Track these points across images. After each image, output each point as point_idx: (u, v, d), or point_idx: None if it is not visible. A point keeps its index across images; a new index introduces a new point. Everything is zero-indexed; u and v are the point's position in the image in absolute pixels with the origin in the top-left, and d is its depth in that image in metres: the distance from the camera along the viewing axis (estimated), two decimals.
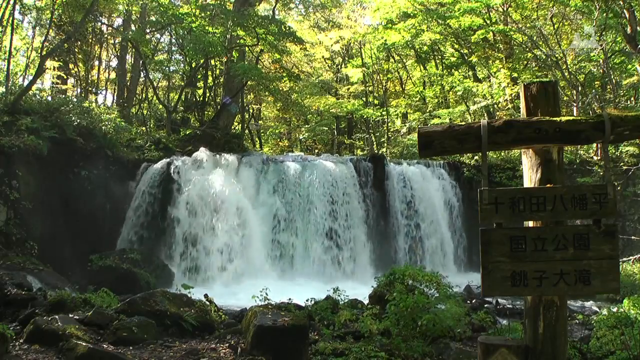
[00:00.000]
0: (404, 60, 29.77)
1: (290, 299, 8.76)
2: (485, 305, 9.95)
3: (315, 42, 30.05)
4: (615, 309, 6.57)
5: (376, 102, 30.66)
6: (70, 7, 20.06)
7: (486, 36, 21.26)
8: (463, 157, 18.67)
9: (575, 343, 6.19)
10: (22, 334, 6.60)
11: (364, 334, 6.53)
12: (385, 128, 28.97)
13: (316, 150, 31.25)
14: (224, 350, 6.42)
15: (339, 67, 32.74)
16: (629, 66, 19.25)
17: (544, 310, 3.08)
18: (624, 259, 13.27)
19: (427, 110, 25.89)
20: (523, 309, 3.34)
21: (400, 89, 31.12)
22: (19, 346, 6.26)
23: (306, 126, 32.22)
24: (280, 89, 24.85)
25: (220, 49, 19.71)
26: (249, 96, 29.58)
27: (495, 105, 21.91)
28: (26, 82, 18.14)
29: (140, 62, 22.77)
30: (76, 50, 23.90)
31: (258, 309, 6.88)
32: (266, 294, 8.02)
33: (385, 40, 23.62)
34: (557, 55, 19.56)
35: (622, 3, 15.96)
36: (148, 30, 23.75)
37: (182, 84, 26.58)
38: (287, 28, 21.79)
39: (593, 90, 20.51)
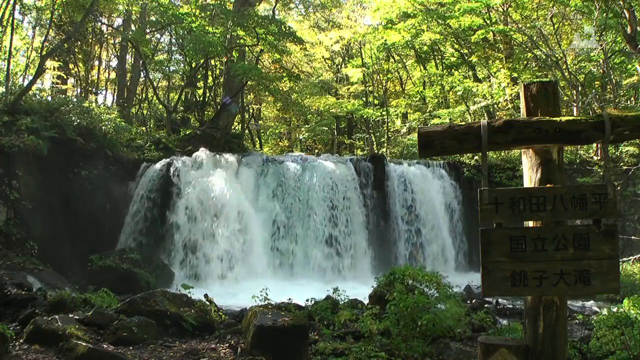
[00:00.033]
0: (404, 60, 29.77)
1: (290, 299, 8.77)
2: (485, 305, 9.94)
3: (315, 42, 30.05)
4: (615, 309, 6.57)
5: (376, 102, 30.66)
6: (70, 7, 20.07)
7: (486, 36, 21.26)
8: (463, 157, 18.67)
9: (575, 343, 6.19)
10: (22, 334, 6.60)
11: (364, 334, 6.53)
12: (385, 128, 28.97)
13: (316, 150, 31.24)
14: (224, 350, 6.42)
15: (339, 67, 32.74)
16: (629, 66, 19.25)
17: (544, 310, 3.08)
18: (624, 259, 13.26)
19: (427, 110, 25.89)
20: (523, 309, 3.34)
21: (400, 89, 31.12)
22: (19, 346, 6.26)
23: (306, 126, 32.22)
24: (280, 89, 24.86)
25: (220, 49, 19.71)
26: (249, 96, 29.58)
27: (495, 105, 21.91)
28: (26, 82, 18.14)
29: (140, 62, 22.77)
30: (76, 50, 23.90)
31: (258, 309, 6.89)
32: (266, 294, 8.02)
33: (385, 40, 23.62)
34: (557, 55, 19.56)
35: (622, 3, 15.96)
36: (148, 30, 23.75)
37: (182, 84, 26.58)
38: (287, 28, 21.79)
39: (593, 90, 20.51)
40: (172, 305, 7.47)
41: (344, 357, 5.95)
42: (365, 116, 28.77)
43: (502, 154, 18.13)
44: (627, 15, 16.01)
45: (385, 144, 27.82)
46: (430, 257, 16.38)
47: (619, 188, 15.34)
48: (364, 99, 30.76)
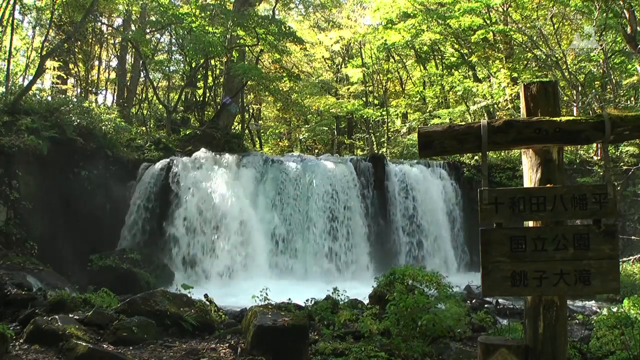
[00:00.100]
0: (404, 60, 29.77)
1: (290, 299, 8.76)
2: (485, 305, 9.94)
3: (315, 42, 30.05)
4: (615, 309, 6.57)
5: (376, 102, 30.66)
6: (70, 7, 20.07)
7: (486, 36, 21.26)
8: (463, 157, 18.67)
9: (575, 343, 6.19)
10: (22, 334, 6.60)
11: (364, 334, 6.53)
12: (385, 128, 28.97)
13: (316, 150, 31.26)
14: (224, 350, 6.42)
15: (339, 67, 32.74)
16: (629, 66, 19.25)
17: (544, 310, 3.08)
18: (624, 259, 13.27)
19: (427, 110, 25.89)
20: (523, 309, 3.34)
21: (400, 89, 31.12)
22: (19, 346, 6.26)
23: (306, 126, 32.22)
24: (280, 89, 24.86)
25: (220, 49, 19.71)
26: (249, 96, 29.58)
27: (495, 105, 21.91)
28: (26, 82, 18.14)
29: (140, 62, 22.77)
30: (76, 50, 23.90)
31: (258, 309, 6.88)
32: (266, 294, 8.02)
33: (385, 40, 23.62)
34: (557, 55, 19.56)
35: (622, 3, 15.96)
36: (148, 30, 23.75)
37: (182, 84, 26.59)
38: (287, 28, 21.80)
39: (593, 90, 20.51)
40: (172, 305, 7.47)
41: (344, 357, 5.95)
42: (365, 116, 28.77)
43: (502, 154, 18.13)
44: (627, 15, 16.01)
45: (385, 144, 27.82)
46: (429, 258, 16.36)
47: (619, 188, 15.34)
48: (364, 99, 30.76)
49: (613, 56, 19.60)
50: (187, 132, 20.89)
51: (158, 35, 26.45)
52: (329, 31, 29.59)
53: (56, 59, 21.45)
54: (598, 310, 9.91)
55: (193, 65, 24.63)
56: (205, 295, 8.88)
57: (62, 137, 14.40)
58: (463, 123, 3.31)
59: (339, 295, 9.13)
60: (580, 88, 19.10)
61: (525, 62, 22.30)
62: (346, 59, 31.94)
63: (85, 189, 14.55)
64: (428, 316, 5.98)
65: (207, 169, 15.63)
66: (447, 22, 20.98)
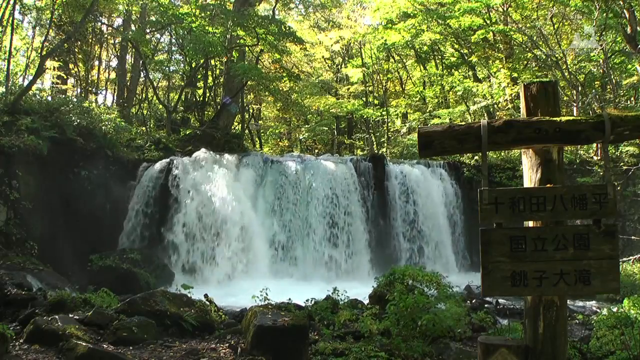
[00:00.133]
0: (404, 60, 29.77)
1: (290, 299, 8.76)
2: (485, 305, 9.94)
3: (315, 42, 30.05)
4: (615, 309, 6.57)
5: (376, 102, 30.66)
6: (70, 7, 20.07)
7: (486, 36, 21.26)
8: (463, 157, 18.67)
9: (575, 343, 6.19)
10: (22, 334, 6.60)
11: (364, 334, 6.53)
12: (385, 128, 28.97)
13: (316, 150, 31.26)
14: (224, 350, 6.42)
15: (339, 67, 32.74)
16: (629, 66, 19.25)
17: (544, 310, 3.08)
18: (624, 259, 13.26)
19: (427, 110, 25.89)
20: (523, 309, 3.34)
21: (400, 89, 31.12)
22: (19, 346, 6.26)
23: (306, 126, 32.22)
24: (280, 89, 24.86)
25: (220, 49, 19.71)
26: (249, 96, 29.58)
27: (495, 105, 21.92)
28: (26, 82, 18.14)
29: (140, 62, 22.77)
30: (76, 50, 23.90)
31: (258, 309, 6.88)
32: (266, 294, 8.02)
33: (385, 40, 23.62)
34: (557, 55, 19.56)
35: (622, 3, 15.96)
36: (148, 30, 23.75)
37: (182, 84, 26.59)
38: (287, 28, 21.80)
39: (593, 90, 20.51)
40: (172, 305, 7.47)
41: (344, 357, 5.95)
42: (365, 116, 28.77)
43: (502, 154, 18.13)
44: (627, 15, 16.01)
45: (385, 144, 27.82)
46: (429, 257, 16.36)
47: (619, 188, 15.34)
48: (364, 99, 30.76)
49: (613, 56, 19.61)
50: (187, 132, 20.89)
51: (158, 35, 26.46)
52: (329, 31, 29.59)
53: (56, 59, 21.45)
54: (598, 310, 9.91)
55: (193, 65, 24.63)
56: (205, 295, 8.88)
57: (62, 137, 14.40)
58: (463, 123, 3.31)
59: (339, 295, 9.13)
60: (580, 88, 19.10)
61: (525, 62, 22.30)
62: (346, 59, 31.94)
63: (85, 189, 14.55)
64: (428, 316, 5.98)
65: (207, 169, 15.58)
66: (447, 22, 20.98)
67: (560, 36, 21.99)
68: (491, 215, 3.05)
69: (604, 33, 18.26)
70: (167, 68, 26.07)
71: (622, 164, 16.43)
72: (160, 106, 24.92)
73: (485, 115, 22.21)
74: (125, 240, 14.51)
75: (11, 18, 18.22)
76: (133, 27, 24.21)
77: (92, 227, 13.96)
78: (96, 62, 26.67)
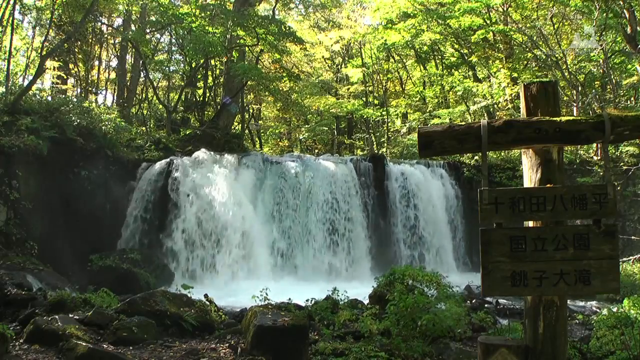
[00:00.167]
0: (404, 60, 29.78)
1: (290, 299, 8.76)
2: (485, 305, 9.93)
3: (315, 42, 30.05)
4: (615, 309, 6.57)
5: (376, 102, 30.66)
6: (70, 7, 20.07)
7: (486, 36, 21.26)
8: (463, 157, 18.68)
9: (575, 343, 6.19)
10: (22, 334, 6.60)
11: (364, 334, 6.53)
12: (385, 128, 28.97)
13: (316, 150, 31.27)
14: (224, 350, 6.42)
15: (339, 67, 32.74)
16: (629, 66, 19.25)
17: (544, 310, 3.08)
18: (624, 259, 13.26)
19: (427, 110, 25.89)
20: (523, 309, 3.34)
21: (400, 89, 31.12)
22: (19, 346, 6.26)
23: (306, 126, 32.22)
24: (280, 89, 24.86)
25: (220, 49, 19.71)
26: (249, 96, 29.58)
27: (495, 105, 21.92)
28: (26, 82, 18.13)
29: (140, 62, 22.77)
30: (76, 50, 23.90)
31: (258, 309, 6.88)
32: (266, 294, 8.02)
33: (385, 40, 23.63)
34: (557, 55, 19.56)
35: (622, 3, 15.96)
36: (148, 30, 23.74)
37: (182, 84, 26.59)
38: (287, 28, 21.80)
39: (593, 90, 20.51)
40: (172, 305, 7.47)
41: (344, 357, 5.95)
42: (365, 116, 28.77)
43: (502, 154, 18.13)
44: (627, 15, 16.01)
45: (385, 144, 27.82)
46: (430, 257, 16.36)
47: (619, 188, 15.34)
48: (364, 99, 30.76)
49: (613, 56, 19.61)
50: (187, 132, 20.89)
51: (158, 35, 26.46)
52: (329, 31, 29.59)
53: (56, 59, 21.44)
54: (598, 310, 9.91)
55: (193, 65, 24.63)
56: (205, 295, 8.88)
57: (62, 137, 14.39)
58: (463, 123, 3.31)
59: (339, 295, 9.13)
60: (580, 88, 19.11)
61: (525, 62, 22.30)
62: (346, 59, 31.94)
63: (85, 189, 14.54)
64: (428, 316, 5.98)
65: (207, 170, 15.53)
66: (447, 22, 20.98)
67: (560, 36, 21.99)
68: (491, 215, 3.05)
69: (604, 33, 18.26)
70: (167, 68, 26.07)
71: (622, 164, 16.44)
72: (160, 106, 24.92)
73: (485, 115, 22.21)
74: (123, 247, 14.36)
75: (11, 18, 18.21)
76: (133, 27, 24.21)
77: (92, 227, 13.95)
78: (96, 62, 26.67)
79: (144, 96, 26.86)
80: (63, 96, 20.28)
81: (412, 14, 22.06)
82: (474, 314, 8.09)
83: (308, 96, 30.13)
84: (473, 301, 10.25)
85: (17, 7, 18.97)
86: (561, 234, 3.02)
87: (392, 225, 16.49)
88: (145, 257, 13.38)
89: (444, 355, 6.13)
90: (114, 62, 27.81)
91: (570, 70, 19.10)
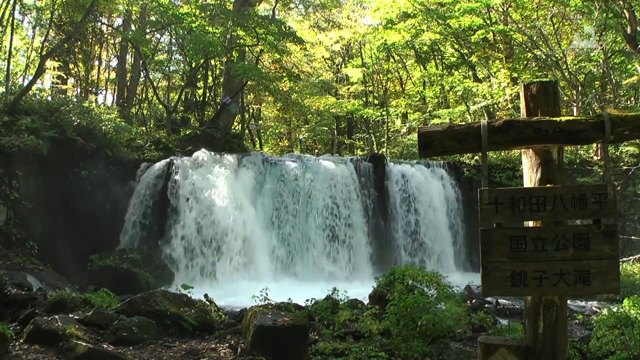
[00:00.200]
0: (404, 60, 29.77)
1: (290, 299, 8.76)
2: (485, 305, 9.94)
3: (315, 42, 30.05)
4: (615, 309, 6.57)
5: (376, 102, 30.66)
6: (70, 7, 20.07)
7: (486, 36, 21.26)
8: (463, 157, 18.67)
9: (575, 343, 6.19)
10: (22, 334, 6.60)
11: (364, 334, 6.53)
12: (385, 128, 28.97)
13: (316, 150, 31.27)
14: (224, 350, 6.42)
15: (339, 67, 32.74)
16: (629, 66, 19.25)
17: (544, 310, 3.08)
18: (624, 259, 13.27)
19: (427, 110, 25.89)
20: (523, 309, 3.34)
21: (400, 89, 31.12)
22: (19, 346, 6.26)
23: (306, 126, 32.22)
24: (280, 89, 24.85)
25: (220, 49, 19.71)
26: (249, 96, 29.58)
27: (495, 105, 21.92)
28: (26, 82, 18.13)
29: (140, 62, 22.77)
30: (76, 50, 23.90)
31: (258, 309, 6.89)
32: (266, 294, 8.02)
33: (385, 40, 23.62)
34: (557, 55, 19.56)
35: (622, 3, 15.96)
36: (148, 30, 23.74)
37: (182, 84, 26.58)
38: (287, 28, 21.79)
39: (593, 90, 20.51)
40: (172, 305, 7.47)
41: (344, 357, 5.95)
42: (365, 116, 28.77)
43: (502, 154, 18.13)
44: (627, 15, 16.01)
45: (385, 144, 27.82)
46: (430, 257, 16.35)
47: (619, 188, 15.34)
48: (364, 99, 30.76)
49: (613, 56, 19.60)
50: (187, 132, 20.88)
51: (158, 35, 26.46)
52: (329, 31, 29.59)
53: (56, 59, 21.44)
54: (598, 310, 9.91)
55: (193, 65, 24.63)
56: (205, 295, 8.88)
57: (62, 137, 14.39)
58: (463, 123, 3.31)
59: (338, 295, 9.13)
60: (580, 88, 19.10)
61: (525, 62, 22.30)
62: (346, 59, 31.94)
63: (85, 189, 14.54)
64: (428, 316, 5.98)
65: (207, 171, 15.49)
66: (447, 22, 20.98)
67: (560, 36, 21.99)
68: (491, 215, 3.05)
69: (604, 33, 18.26)
70: (167, 68, 26.07)
71: (622, 164, 16.43)
72: (160, 106, 24.91)
73: (485, 115, 22.21)
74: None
75: (11, 18, 18.21)
76: (133, 27, 24.20)
77: (92, 227, 13.95)
78: (96, 62, 26.67)
79: (144, 96, 26.86)
80: (63, 96, 20.29)
81: (412, 14, 22.06)
82: (474, 314, 8.09)
83: (308, 96, 30.13)
84: (473, 301, 10.25)
85: (17, 7, 18.98)
86: (561, 234, 3.02)
87: (393, 230, 16.45)
88: (145, 257, 13.38)
89: (444, 355, 6.13)
90: (114, 62, 27.83)
91: (570, 70, 19.10)
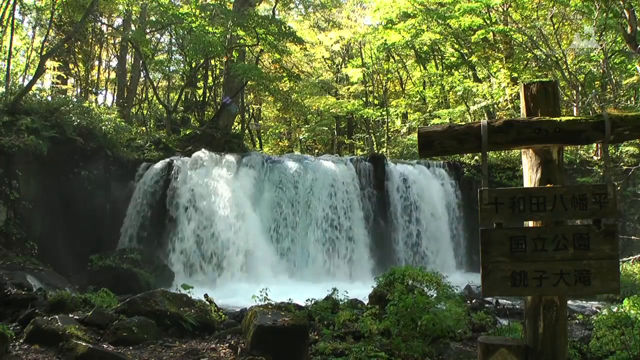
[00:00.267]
0: (404, 60, 29.77)
1: (290, 299, 8.76)
2: (485, 305, 9.94)
3: (315, 42, 30.06)
4: (615, 309, 6.56)
5: (376, 102, 30.67)
6: (70, 7, 20.07)
7: (486, 36, 21.26)
8: (463, 157, 18.67)
9: (575, 343, 6.18)
10: (22, 334, 6.60)
11: (364, 334, 6.52)
12: (385, 128, 28.97)
13: (316, 150, 31.28)
14: (224, 350, 6.42)
15: (339, 67, 32.75)
16: (629, 66, 19.23)
17: (544, 310, 3.08)
18: (624, 259, 13.26)
19: (427, 110, 25.89)
20: (523, 309, 3.34)
21: (400, 89, 31.12)
22: (19, 346, 6.26)
23: (306, 126, 32.23)
24: (280, 89, 24.86)
25: (220, 49, 19.71)
26: (249, 96, 29.59)
27: (495, 105, 21.91)
28: (26, 82, 18.14)
29: (140, 62, 22.77)
30: (76, 50, 23.91)
31: (258, 309, 6.88)
32: (266, 294, 8.02)
33: (385, 40, 23.62)
34: (557, 55, 19.55)
35: (622, 3, 15.96)
36: (148, 30, 23.75)
37: (182, 84, 26.59)
38: (287, 28, 21.79)
39: (593, 90, 20.51)
40: (172, 305, 7.47)
41: (344, 357, 5.95)
42: (365, 116, 28.77)
43: (502, 154, 18.12)
44: (627, 15, 16.00)
45: (385, 144, 27.82)
46: (430, 257, 16.35)
47: (619, 188, 15.34)
48: (364, 99, 30.76)
49: (613, 56, 19.59)
50: (187, 132, 20.89)
51: (158, 35, 26.48)
52: (329, 31, 29.60)
53: (56, 59, 21.45)
54: (598, 310, 9.91)
55: (193, 65, 24.64)
56: (205, 295, 8.88)
57: (62, 137, 14.40)
58: (463, 123, 3.31)
59: (338, 296, 9.12)
60: (580, 88, 19.10)
61: (525, 62, 22.30)
62: (346, 59, 31.95)
63: (85, 189, 14.54)
64: (428, 316, 5.98)
65: (208, 169, 15.50)
66: (447, 22, 20.98)
67: (560, 36, 21.98)
68: (491, 215, 3.05)
69: (604, 33, 18.25)
70: (167, 68, 26.08)
71: (622, 164, 16.43)
72: (160, 106, 24.92)
73: (485, 115, 22.21)
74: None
75: (11, 18, 18.22)
76: (133, 27, 24.20)
77: (92, 227, 13.96)
78: (96, 62, 26.69)
79: (144, 96, 26.87)
80: (63, 96, 20.29)
81: (412, 14, 22.06)
82: (474, 314, 8.09)
83: (308, 96, 30.13)
84: (473, 301, 10.25)
85: (17, 7, 19.00)
86: (561, 234, 3.02)
87: (394, 241, 16.44)
88: (145, 257, 13.37)
89: (444, 355, 6.12)
90: (114, 62, 27.85)
91: (570, 70, 19.10)
